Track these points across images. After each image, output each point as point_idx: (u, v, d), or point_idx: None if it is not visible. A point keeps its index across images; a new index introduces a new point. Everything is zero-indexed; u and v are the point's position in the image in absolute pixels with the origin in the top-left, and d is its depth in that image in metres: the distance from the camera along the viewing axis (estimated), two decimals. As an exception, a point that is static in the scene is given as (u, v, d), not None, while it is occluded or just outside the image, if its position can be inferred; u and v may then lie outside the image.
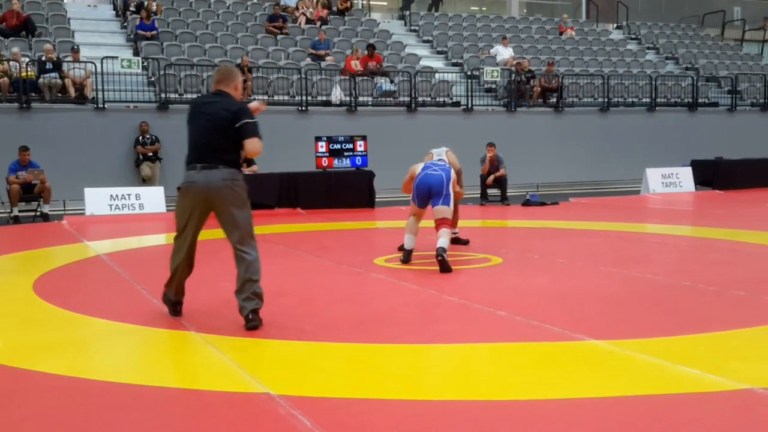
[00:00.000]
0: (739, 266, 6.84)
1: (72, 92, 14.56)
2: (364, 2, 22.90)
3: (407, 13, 22.47)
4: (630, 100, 19.56)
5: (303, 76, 16.20)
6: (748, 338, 4.35)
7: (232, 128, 4.72)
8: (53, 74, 14.41)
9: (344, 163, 13.28)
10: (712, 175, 16.27)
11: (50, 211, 12.20)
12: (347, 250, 8.21)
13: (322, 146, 13.14)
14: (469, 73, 18.71)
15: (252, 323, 4.68)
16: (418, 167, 7.37)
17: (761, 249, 7.84)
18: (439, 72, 18.39)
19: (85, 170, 13.82)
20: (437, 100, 17.50)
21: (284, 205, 12.83)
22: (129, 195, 12.50)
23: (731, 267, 6.79)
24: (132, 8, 17.82)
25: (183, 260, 5.04)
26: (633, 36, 24.21)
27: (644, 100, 19.61)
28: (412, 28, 21.83)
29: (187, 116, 4.97)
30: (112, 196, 12.36)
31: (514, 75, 18.20)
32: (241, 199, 4.82)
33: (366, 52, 17.39)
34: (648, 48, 23.55)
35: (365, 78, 16.93)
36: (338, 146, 13.20)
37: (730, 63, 22.87)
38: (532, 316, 4.88)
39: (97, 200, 12.22)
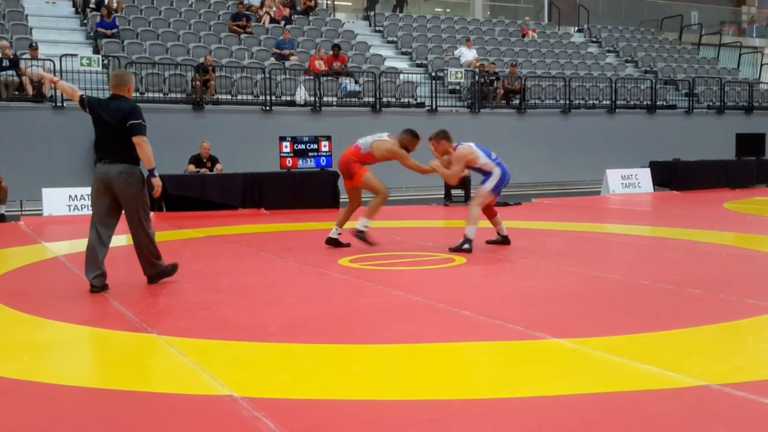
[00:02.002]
0: (695, 265, 6.99)
1: (29, 90, 14.28)
2: (329, 2, 22.87)
3: (372, 13, 22.50)
4: (591, 102, 19.85)
5: (267, 75, 16.11)
6: (704, 336, 4.45)
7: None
8: (10, 72, 14.11)
9: (309, 164, 13.25)
10: (670, 176, 16.60)
11: (6, 211, 11.94)
12: (312, 250, 8.19)
13: (286, 146, 13.09)
14: (433, 74, 18.80)
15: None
16: (477, 151, 7.81)
17: (716, 248, 8.02)
18: (404, 73, 18.45)
19: (43, 170, 13.57)
20: (402, 100, 17.55)
21: (248, 206, 12.75)
22: (88, 195, 12.26)
23: (688, 266, 6.93)
24: (92, 5, 17.54)
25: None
26: (594, 39, 24.58)
27: (604, 102, 19.92)
28: (377, 28, 21.87)
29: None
30: (70, 196, 12.15)
31: (477, 76, 18.34)
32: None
33: (331, 52, 17.37)
34: (608, 51, 23.93)
35: (330, 78, 16.91)
36: (303, 146, 13.16)
37: (688, 66, 23.35)
38: (496, 316, 4.92)
39: (56, 200, 12.01)
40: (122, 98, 5.90)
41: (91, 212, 6.05)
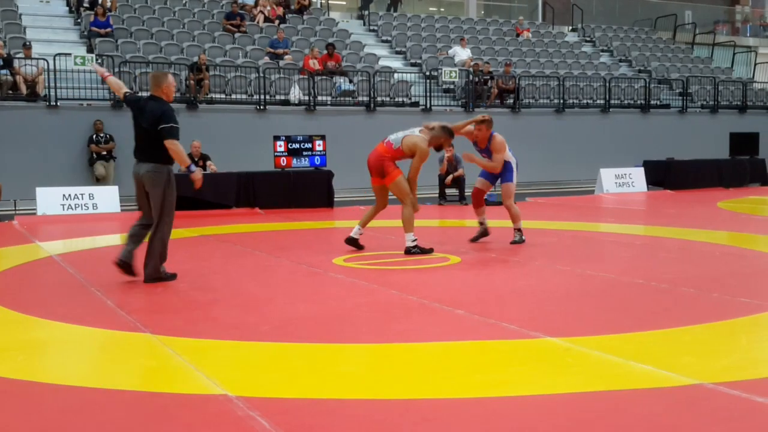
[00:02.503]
0: (689, 264, 7.01)
1: (23, 89, 14.23)
2: (323, 1, 22.85)
3: (366, 12, 22.48)
4: (584, 101, 19.87)
5: (261, 74, 16.09)
6: (698, 334, 4.46)
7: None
8: (4, 71, 14.05)
9: (303, 163, 13.24)
10: (664, 175, 16.65)
11: (1, 211, 11.91)
12: (306, 250, 8.19)
13: (280, 146, 13.07)
14: (427, 73, 18.80)
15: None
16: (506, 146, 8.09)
17: (710, 247, 8.04)
18: (398, 72, 18.44)
19: (37, 169, 13.52)
20: (396, 100, 17.55)
21: (242, 205, 12.74)
22: (82, 195, 12.27)
23: (682, 265, 6.95)
24: (86, 4, 17.49)
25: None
26: (588, 39, 24.61)
27: (598, 101, 19.95)
28: (371, 28, 21.85)
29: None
30: (64, 195, 12.12)
31: (471, 76, 18.35)
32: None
33: (325, 52, 17.35)
34: (602, 50, 23.96)
35: (324, 77, 16.90)
36: (297, 146, 13.15)
37: (682, 66, 23.40)
38: (490, 315, 4.93)
39: (50, 200, 11.97)
40: (158, 99, 6.11)
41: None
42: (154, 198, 6.09)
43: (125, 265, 6.22)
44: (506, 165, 8.17)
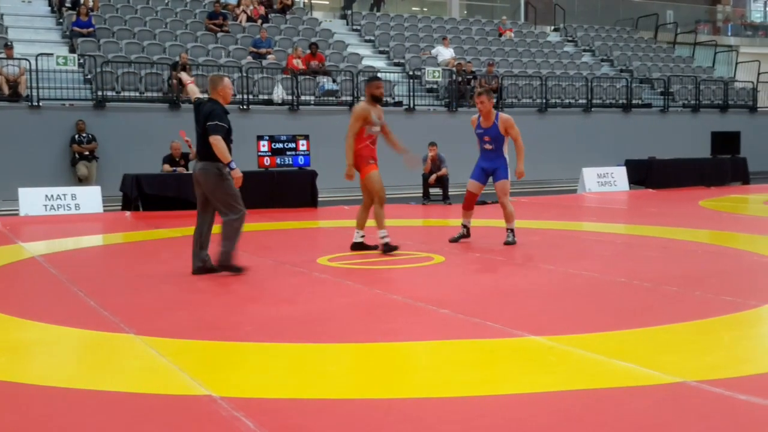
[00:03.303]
0: (671, 263, 7.07)
1: (5, 90, 14.09)
2: (306, 1, 22.80)
3: (349, 12, 22.47)
4: (567, 101, 19.98)
5: (244, 74, 16.04)
6: (680, 333, 4.50)
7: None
8: (-16, 71, 13.93)
9: (286, 163, 13.21)
10: (646, 174, 16.77)
11: (-19, 211, 11.80)
12: (290, 249, 8.17)
13: (264, 145, 13.04)
14: (410, 73, 18.82)
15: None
16: None
17: (692, 246, 8.11)
18: (381, 72, 18.44)
19: (19, 170, 13.41)
20: (379, 99, 17.52)
21: (226, 205, 12.67)
22: (65, 195, 12.17)
23: (664, 263, 7.01)
24: (68, 4, 17.35)
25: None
26: (570, 38, 24.74)
27: (580, 101, 20.06)
28: (354, 27, 21.84)
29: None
30: (47, 196, 12.02)
31: (455, 75, 18.39)
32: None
33: (308, 51, 17.32)
34: (584, 50, 24.09)
35: (307, 77, 16.87)
36: (280, 145, 13.12)
37: (663, 65, 23.58)
38: (474, 314, 4.94)
39: (32, 200, 11.87)
40: (213, 101, 6.40)
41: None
42: (211, 194, 6.39)
43: (205, 270, 6.50)
44: (502, 161, 8.06)
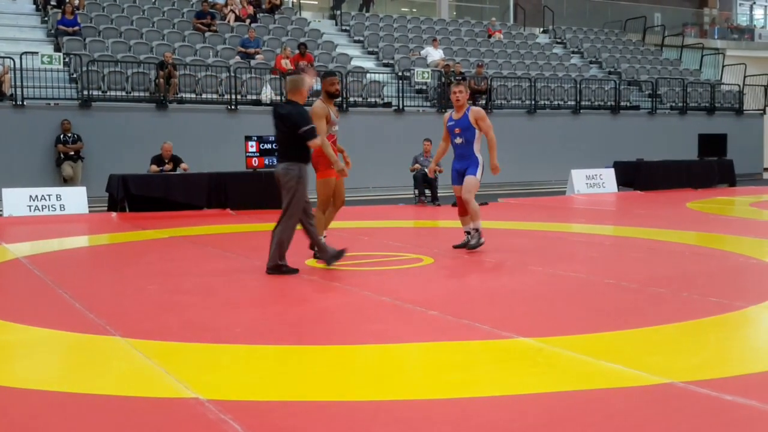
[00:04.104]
0: (658, 264, 7.09)
1: (-12, 88, 13.98)
2: (294, 1, 22.76)
3: (338, 12, 22.45)
4: (556, 102, 20.04)
5: (232, 74, 15.99)
6: (668, 334, 4.51)
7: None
8: (-32, 70, 13.81)
9: (275, 164, 13.13)
10: (634, 176, 16.85)
11: (-35, 212, 11.69)
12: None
13: (252, 146, 12.99)
14: (400, 73, 18.82)
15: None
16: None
17: (680, 247, 8.14)
18: (371, 72, 18.44)
19: (3, 170, 13.31)
20: (368, 100, 17.54)
21: (214, 206, 12.63)
22: (49, 195, 12.07)
23: (651, 265, 7.03)
24: (53, 2, 17.23)
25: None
26: (558, 40, 24.82)
27: (569, 103, 20.13)
28: (343, 27, 21.83)
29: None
30: (31, 196, 11.91)
31: (444, 77, 18.40)
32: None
33: (297, 51, 17.29)
34: (573, 52, 24.19)
35: (296, 77, 16.81)
36: (269, 146, 13.07)
37: (651, 68, 23.71)
38: (462, 316, 4.93)
39: (16, 201, 11.77)
40: (294, 103, 6.47)
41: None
42: (285, 194, 6.45)
43: (280, 270, 6.51)
44: (473, 160, 7.74)
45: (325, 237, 7.40)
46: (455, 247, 7.93)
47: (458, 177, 7.85)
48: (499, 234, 9.53)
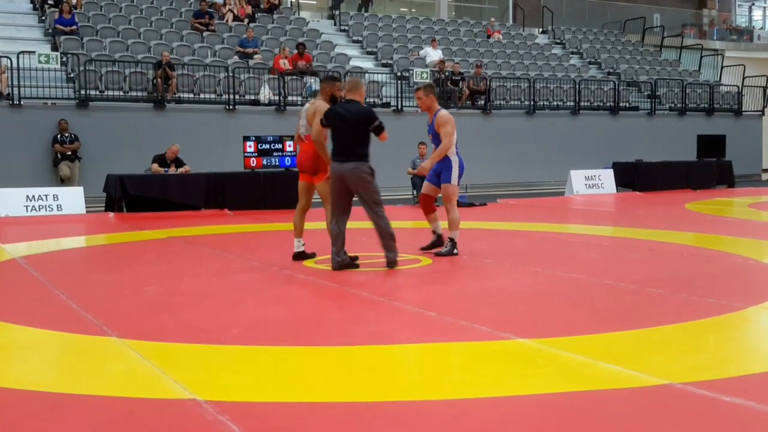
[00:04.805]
0: (657, 265, 7.08)
1: (-15, 88, 13.95)
2: (293, 1, 22.75)
3: (337, 12, 22.43)
4: (555, 103, 20.03)
5: (230, 74, 15.97)
6: (666, 335, 4.50)
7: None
8: (-35, 69, 13.78)
9: (273, 164, 13.14)
10: (633, 177, 16.85)
11: (-38, 212, 11.65)
12: (276, 251, 8.11)
13: (250, 146, 12.97)
14: (398, 74, 18.80)
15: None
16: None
17: (678, 248, 8.14)
18: (369, 72, 18.42)
19: (0, 170, 13.26)
20: (367, 100, 17.49)
21: (211, 207, 12.61)
22: (46, 195, 12.04)
23: (650, 266, 7.02)
24: (50, 1, 17.20)
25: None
26: (558, 41, 24.82)
27: (568, 103, 20.13)
28: (342, 27, 21.81)
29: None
30: (28, 196, 11.89)
31: (443, 76, 18.37)
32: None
33: (295, 51, 17.27)
34: (572, 53, 24.19)
35: (294, 77, 16.81)
36: (267, 146, 13.06)
37: (650, 68, 23.71)
38: (461, 317, 4.92)
39: (13, 201, 11.74)
40: (356, 102, 6.73)
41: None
42: (364, 192, 6.61)
43: (345, 265, 6.69)
44: (447, 163, 7.38)
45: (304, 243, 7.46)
46: (423, 249, 7.70)
47: (433, 176, 7.61)
48: (497, 235, 9.53)
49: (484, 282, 6.38)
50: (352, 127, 6.57)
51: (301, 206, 7.40)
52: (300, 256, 7.35)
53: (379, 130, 6.67)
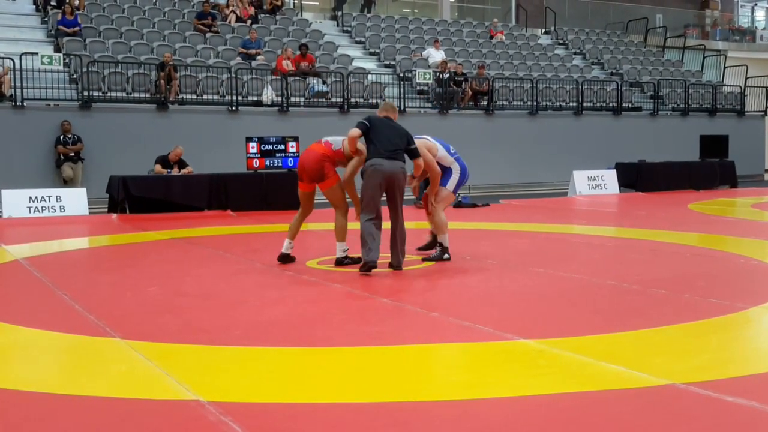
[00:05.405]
0: (660, 266, 7.07)
1: (-12, 89, 13.97)
2: (296, 2, 22.76)
3: (339, 13, 22.44)
4: (557, 104, 20.02)
5: (233, 75, 15.97)
6: (669, 335, 4.49)
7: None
8: (-32, 70, 13.80)
9: (276, 165, 13.15)
10: (635, 177, 16.82)
11: (-35, 213, 11.67)
12: (278, 252, 8.11)
13: (253, 147, 12.97)
14: (401, 74, 18.80)
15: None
16: (434, 142, 7.41)
17: (681, 249, 8.12)
18: (372, 73, 18.43)
19: (3, 171, 13.29)
20: (370, 101, 17.51)
21: (214, 207, 12.61)
22: (49, 197, 12.04)
23: (653, 266, 7.01)
24: (53, 3, 17.23)
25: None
26: (560, 41, 24.80)
27: (571, 104, 20.11)
28: (345, 28, 21.81)
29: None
30: (31, 197, 11.89)
31: (446, 76, 18.36)
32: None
33: (298, 52, 17.28)
34: (575, 53, 24.16)
35: (297, 78, 16.82)
36: (270, 147, 13.05)
37: (653, 69, 23.68)
38: (464, 317, 4.92)
39: (16, 202, 11.74)
40: (394, 121, 6.95)
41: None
42: (401, 195, 6.76)
43: (395, 265, 6.76)
44: (446, 172, 7.33)
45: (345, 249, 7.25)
46: (419, 249, 7.64)
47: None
48: (500, 235, 9.52)
49: (487, 282, 6.37)
50: (398, 135, 6.74)
51: (302, 212, 7.38)
52: (285, 258, 7.24)
53: (415, 153, 6.82)
